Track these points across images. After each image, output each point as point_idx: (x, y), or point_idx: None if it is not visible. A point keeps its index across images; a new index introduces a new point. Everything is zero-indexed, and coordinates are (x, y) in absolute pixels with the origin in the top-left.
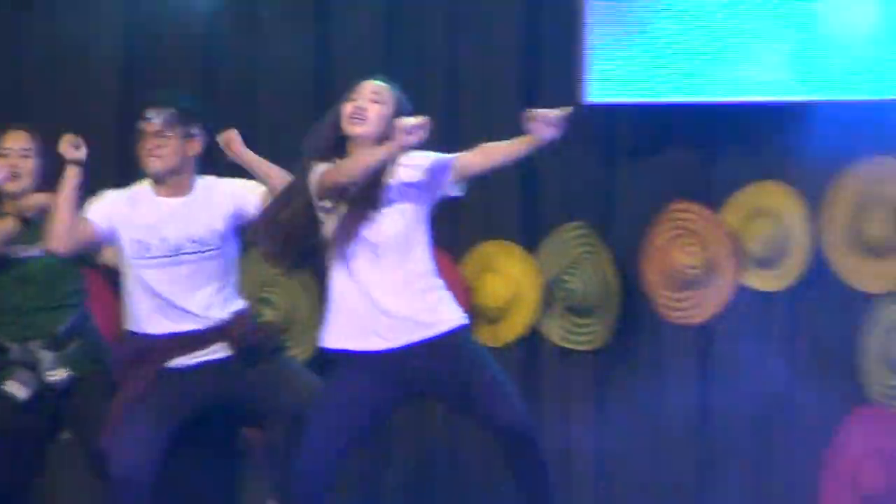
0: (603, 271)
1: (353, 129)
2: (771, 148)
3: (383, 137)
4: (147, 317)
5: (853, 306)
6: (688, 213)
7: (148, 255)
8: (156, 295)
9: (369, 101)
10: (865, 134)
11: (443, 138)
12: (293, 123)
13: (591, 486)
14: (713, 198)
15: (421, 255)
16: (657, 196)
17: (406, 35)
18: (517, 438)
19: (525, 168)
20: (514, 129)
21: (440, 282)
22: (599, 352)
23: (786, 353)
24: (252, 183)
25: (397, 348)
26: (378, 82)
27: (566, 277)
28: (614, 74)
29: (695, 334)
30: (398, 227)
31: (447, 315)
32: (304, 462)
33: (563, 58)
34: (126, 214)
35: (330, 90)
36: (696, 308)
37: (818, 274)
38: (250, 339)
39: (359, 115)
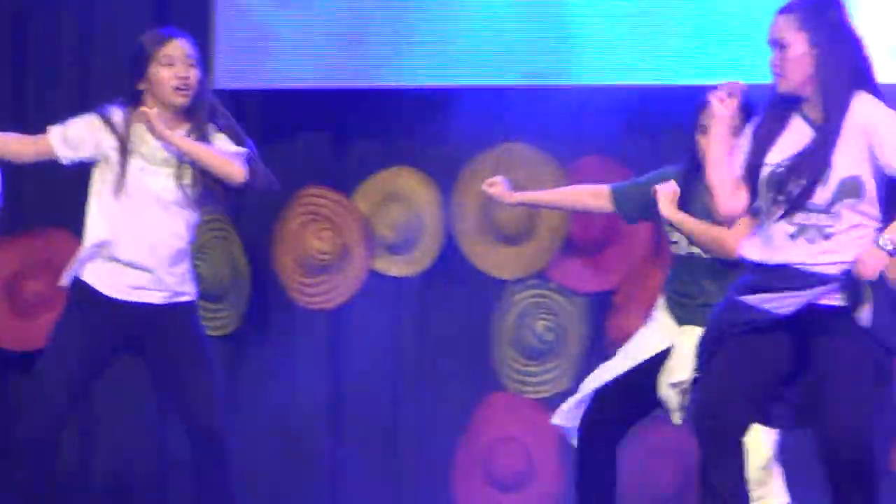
0: (233, 257)
1: (180, 100)
2: (404, 134)
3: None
4: None
5: (485, 292)
6: (320, 198)
7: None
8: None
9: (188, 66)
10: (496, 121)
11: None
12: None
13: None
14: (346, 183)
15: (189, 223)
16: (289, 181)
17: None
18: (207, 438)
19: None
20: None
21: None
22: (230, 337)
23: (418, 338)
24: None
25: (143, 303)
26: (186, 42)
27: (196, 263)
28: (245, 60)
29: (327, 319)
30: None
31: (190, 288)
32: (39, 406)
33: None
34: None
35: None
36: (328, 293)
37: (450, 260)
38: None
39: (185, 87)
